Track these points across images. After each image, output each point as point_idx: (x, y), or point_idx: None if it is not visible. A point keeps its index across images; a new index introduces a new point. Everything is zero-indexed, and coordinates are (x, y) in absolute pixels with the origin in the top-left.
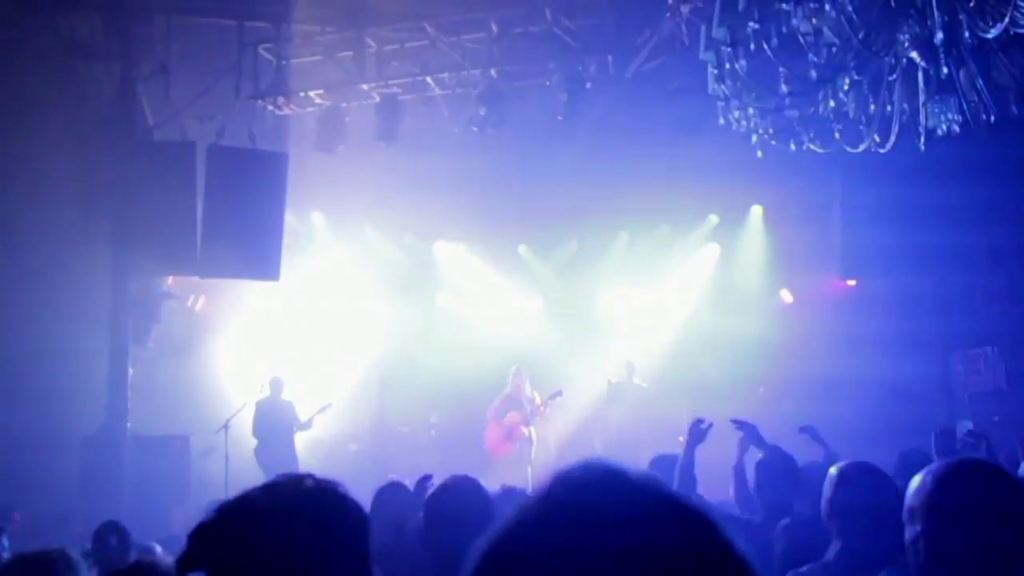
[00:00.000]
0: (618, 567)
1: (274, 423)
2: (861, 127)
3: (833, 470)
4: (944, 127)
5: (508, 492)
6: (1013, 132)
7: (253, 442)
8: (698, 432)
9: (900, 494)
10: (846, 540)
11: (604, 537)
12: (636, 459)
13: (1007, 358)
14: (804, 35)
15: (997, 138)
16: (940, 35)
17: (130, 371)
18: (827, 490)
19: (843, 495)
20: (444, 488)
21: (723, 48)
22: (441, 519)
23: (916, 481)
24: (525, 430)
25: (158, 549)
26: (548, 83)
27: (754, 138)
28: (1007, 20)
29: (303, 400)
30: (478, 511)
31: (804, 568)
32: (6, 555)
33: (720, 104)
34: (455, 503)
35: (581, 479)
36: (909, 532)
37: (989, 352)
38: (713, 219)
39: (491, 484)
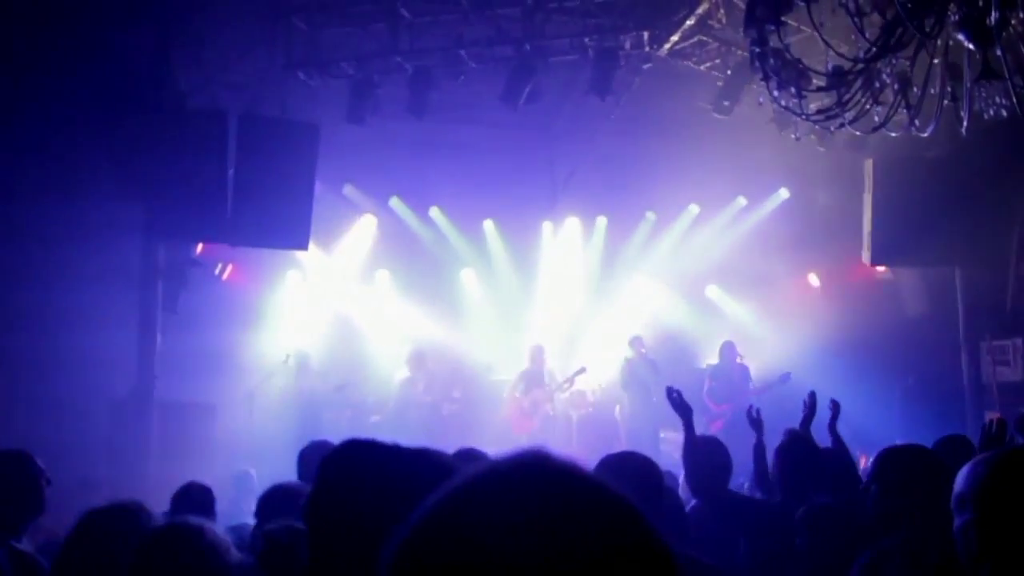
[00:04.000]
0: (528, 566)
1: (300, 394)
2: (902, 110)
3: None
4: (991, 112)
5: None
6: None
7: (278, 411)
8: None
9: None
10: None
11: (519, 538)
12: (654, 436)
13: None
14: (851, 15)
15: None
16: (995, 15)
17: (158, 337)
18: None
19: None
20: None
21: (766, 26)
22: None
23: (967, 468)
24: (547, 407)
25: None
26: (582, 59)
27: (794, 119)
28: None
29: (328, 375)
30: (373, 481)
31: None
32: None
33: (759, 84)
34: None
35: (510, 472)
36: (959, 520)
37: (1018, 343)
38: (741, 201)
39: None
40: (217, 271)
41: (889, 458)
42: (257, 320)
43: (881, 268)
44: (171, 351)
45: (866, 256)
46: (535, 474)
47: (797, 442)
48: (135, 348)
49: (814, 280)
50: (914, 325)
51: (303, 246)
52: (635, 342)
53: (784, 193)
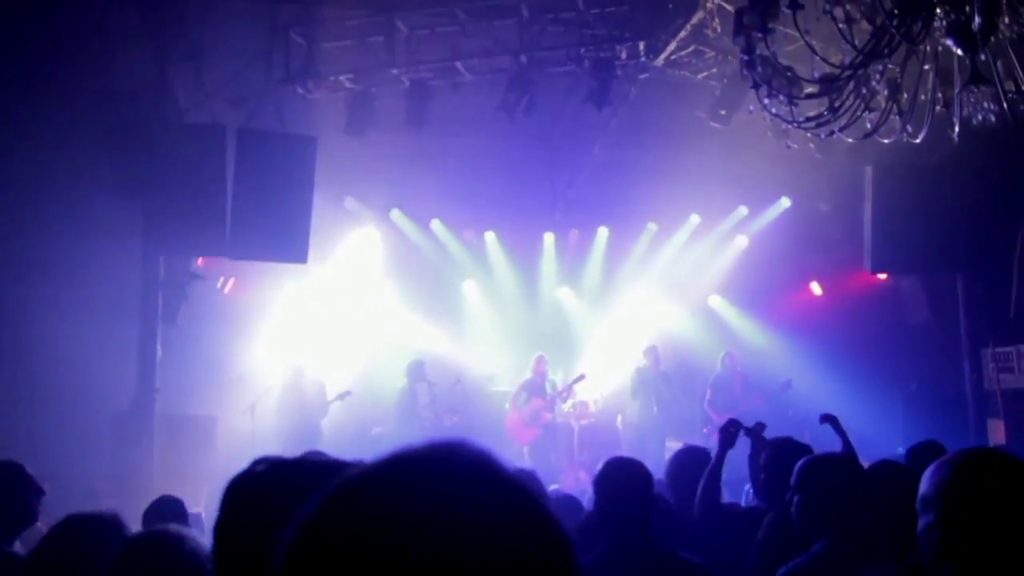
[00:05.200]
0: (421, 557)
1: (299, 405)
2: (894, 116)
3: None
4: (980, 117)
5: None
6: None
7: (278, 423)
8: (728, 436)
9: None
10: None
11: (414, 528)
12: (658, 447)
13: None
14: (838, 21)
15: None
16: (978, 20)
17: (159, 350)
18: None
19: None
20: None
21: (754, 34)
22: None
23: (931, 470)
24: (548, 416)
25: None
26: (578, 70)
27: (785, 127)
28: None
29: (327, 386)
30: (281, 504)
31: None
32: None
33: (751, 91)
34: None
35: (414, 461)
36: (922, 521)
37: (1022, 349)
38: (742, 210)
39: None
40: (219, 284)
41: (811, 468)
42: (257, 332)
43: (882, 275)
44: (172, 363)
45: (867, 264)
46: (440, 465)
47: (785, 449)
48: (136, 360)
49: (816, 288)
50: (916, 332)
51: (302, 259)
52: (650, 352)
53: (785, 202)
